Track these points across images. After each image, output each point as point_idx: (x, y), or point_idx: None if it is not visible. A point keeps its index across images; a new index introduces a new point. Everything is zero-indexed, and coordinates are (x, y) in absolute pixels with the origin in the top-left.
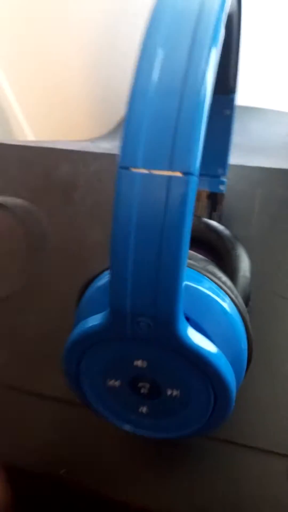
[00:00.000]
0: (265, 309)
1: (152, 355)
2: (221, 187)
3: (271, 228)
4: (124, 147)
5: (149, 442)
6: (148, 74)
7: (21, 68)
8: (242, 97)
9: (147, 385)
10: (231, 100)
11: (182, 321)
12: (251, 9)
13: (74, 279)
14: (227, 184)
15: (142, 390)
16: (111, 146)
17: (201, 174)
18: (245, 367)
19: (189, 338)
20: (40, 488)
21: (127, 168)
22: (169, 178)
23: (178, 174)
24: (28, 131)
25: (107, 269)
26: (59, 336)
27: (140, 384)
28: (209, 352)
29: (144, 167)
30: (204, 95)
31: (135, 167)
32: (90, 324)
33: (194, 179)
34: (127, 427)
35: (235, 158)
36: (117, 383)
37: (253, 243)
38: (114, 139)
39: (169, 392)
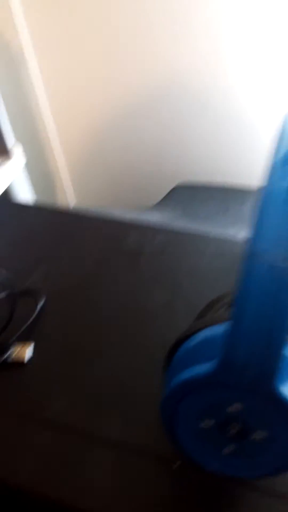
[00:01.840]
0: None
1: (249, 401)
2: None
3: None
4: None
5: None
6: None
7: (73, 136)
8: None
9: (237, 426)
10: None
11: (280, 377)
12: None
13: (139, 335)
14: None
15: (232, 431)
16: (162, 217)
17: None
18: None
19: (283, 391)
20: None
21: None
22: None
23: None
24: (71, 196)
25: (193, 332)
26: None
27: (231, 425)
28: None
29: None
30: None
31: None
32: (199, 371)
33: None
34: (213, 466)
35: None
36: (211, 423)
37: None
38: (164, 210)
39: (255, 435)
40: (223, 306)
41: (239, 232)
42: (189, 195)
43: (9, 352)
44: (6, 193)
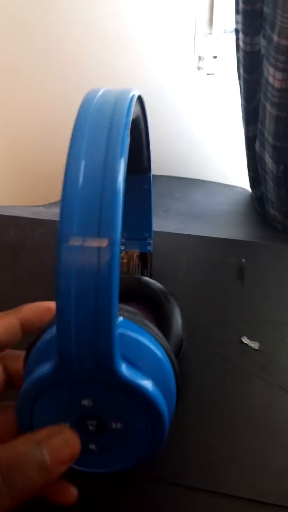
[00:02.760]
0: (194, 358)
1: (96, 393)
2: (149, 248)
3: (195, 286)
4: (62, 221)
5: None
6: (77, 168)
7: None
8: (188, 170)
9: (94, 423)
10: (148, 177)
11: (119, 360)
12: None
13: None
14: (158, 250)
15: (90, 428)
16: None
17: (130, 238)
18: (174, 403)
19: (126, 374)
20: None
21: (66, 236)
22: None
23: (105, 240)
24: None
25: (47, 328)
26: None
27: (88, 422)
28: (143, 384)
29: (79, 235)
30: (120, 184)
31: (71, 236)
32: (41, 371)
33: (117, 244)
34: (78, 467)
35: (178, 224)
36: (69, 423)
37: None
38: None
39: (113, 425)
40: None
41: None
42: None
43: None
44: None
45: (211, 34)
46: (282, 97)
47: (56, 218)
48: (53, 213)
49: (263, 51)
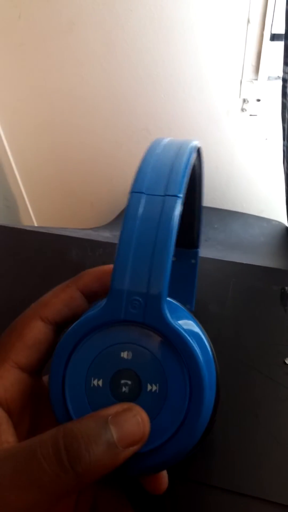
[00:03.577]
0: (238, 375)
1: (139, 342)
2: None
3: (241, 310)
4: (115, 273)
5: None
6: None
7: (32, 160)
8: (228, 202)
9: (129, 382)
10: (196, 252)
11: (166, 307)
12: None
13: None
14: (208, 274)
15: (124, 389)
16: (111, 235)
17: None
18: (213, 395)
19: (171, 321)
20: None
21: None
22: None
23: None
24: (34, 218)
25: None
26: None
27: (123, 382)
28: (187, 335)
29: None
30: (171, 244)
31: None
32: (88, 313)
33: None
34: None
35: (217, 251)
36: (101, 381)
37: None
38: (113, 230)
39: (149, 387)
40: None
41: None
42: None
43: None
44: None
45: (256, 80)
46: None
47: (108, 240)
48: (104, 236)
49: None
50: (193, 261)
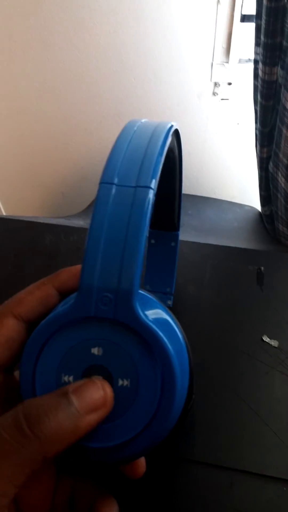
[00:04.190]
0: (217, 353)
1: (110, 337)
2: (169, 302)
3: (219, 290)
4: (84, 270)
5: None
6: (102, 221)
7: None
8: (199, 189)
9: (100, 377)
10: (176, 235)
11: (137, 302)
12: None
13: None
14: (186, 257)
15: None
16: (85, 223)
17: (153, 291)
18: (186, 382)
19: (142, 316)
20: None
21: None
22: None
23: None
24: (3, 211)
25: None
26: None
27: (94, 377)
28: (157, 330)
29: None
30: (142, 239)
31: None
32: (58, 310)
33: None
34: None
35: (192, 237)
36: (71, 379)
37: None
38: (86, 218)
39: (120, 382)
40: None
41: None
42: None
43: None
44: None
45: (227, 62)
46: None
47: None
48: (78, 223)
49: (280, 80)
50: (173, 243)
